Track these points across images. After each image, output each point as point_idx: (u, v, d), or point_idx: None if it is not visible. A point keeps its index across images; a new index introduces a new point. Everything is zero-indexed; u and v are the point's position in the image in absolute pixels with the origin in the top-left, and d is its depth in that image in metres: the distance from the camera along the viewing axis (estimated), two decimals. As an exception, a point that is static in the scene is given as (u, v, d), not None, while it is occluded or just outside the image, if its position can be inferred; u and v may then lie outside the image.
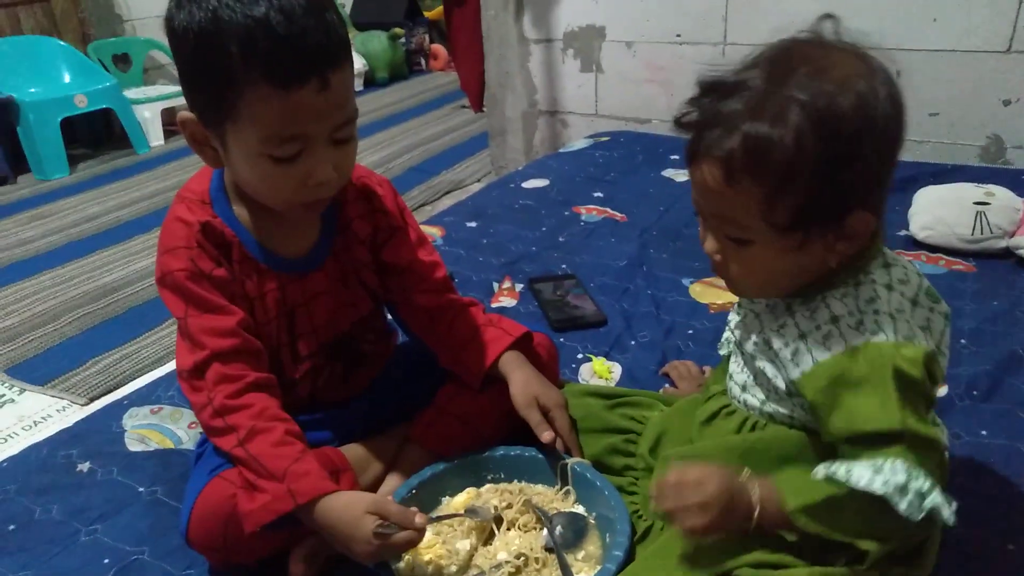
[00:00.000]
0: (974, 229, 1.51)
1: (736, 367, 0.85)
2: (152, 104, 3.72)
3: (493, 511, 0.89)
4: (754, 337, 0.80)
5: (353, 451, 0.97)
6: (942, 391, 1.10)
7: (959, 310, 1.32)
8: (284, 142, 0.79)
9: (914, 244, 1.58)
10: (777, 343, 0.76)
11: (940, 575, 0.80)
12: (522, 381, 0.96)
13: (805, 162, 0.66)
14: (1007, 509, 0.90)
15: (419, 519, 0.78)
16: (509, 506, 0.91)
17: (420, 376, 1.07)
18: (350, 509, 0.78)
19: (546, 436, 0.92)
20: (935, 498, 0.65)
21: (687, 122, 0.72)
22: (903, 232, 1.61)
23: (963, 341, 1.23)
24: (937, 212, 1.57)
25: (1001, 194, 1.57)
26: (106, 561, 0.90)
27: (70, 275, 2.35)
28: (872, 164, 0.68)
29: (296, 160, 0.80)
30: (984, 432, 1.02)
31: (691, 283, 1.50)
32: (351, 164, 0.88)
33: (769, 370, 0.78)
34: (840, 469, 0.68)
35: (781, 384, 0.77)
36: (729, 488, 0.70)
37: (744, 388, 0.82)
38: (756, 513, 0.70)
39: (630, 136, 2.43)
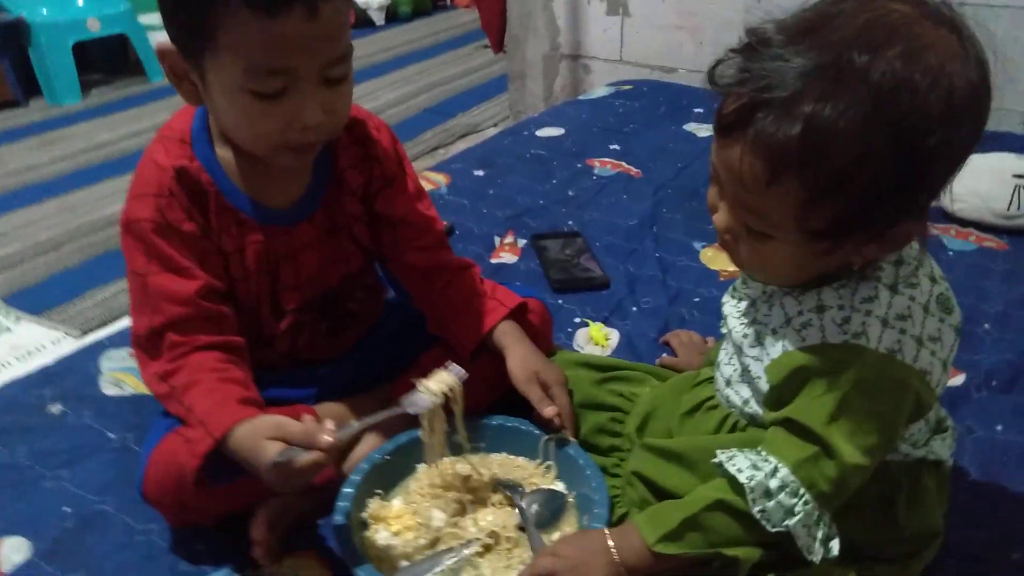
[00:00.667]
0: (1011, 204, 1.42)
1: (724, 356, 0.79)
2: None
3: (435, 399, 0.80)
4: (745, 328, 0.73)
5: (330, 410, 0.93)
6: (958, 379, 1.04)
7: (986, 291, 1.24)
8: (267, 76, 0.72)
9: (943, 216, 1.48)
10: (764, 334, 0.70)
11: (935, 578, 0.74)
12: (521, 356, 0.91)
13: (867, 172, 0.55)
14: (1015, 513, 0.84)
15: (325, 437, 0.69)
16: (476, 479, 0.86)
17: (408, 336, 1.01)
18: (251, 435, 0.72)
19: (549, 411, 0.86)
20: (797, 521, 0.63)
21: (727, 82, 0.59)
22: (934, 203, 1.51)
23: (987, 326, 1.15)
24: (972, 183, 1.46)
25: (1044, 168, 1.46)
26: (67, 509, 0.88)
27: (75, 204, 2.32)
28: (938, 180, 0.59)
29: (281, 98, 0.74)
30: (999, 427, 0.95)
31: (703, 247, 1.42)
32: (345, 108, 0.81)
33: (754, 368, 0.72)
34: (726, 454, 0.66)
35: (763, 385, 0.71)
36: (573, 561, 0.68)
37: (729, 382, 0.77)
38: (619, 562, 0.68)
39: (654, 85, 2.32)
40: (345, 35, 0.76)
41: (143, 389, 1.08)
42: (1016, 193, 1.41)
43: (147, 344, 0.82)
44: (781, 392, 0.67)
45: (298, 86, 0.74)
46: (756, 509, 0.63)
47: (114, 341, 1.19)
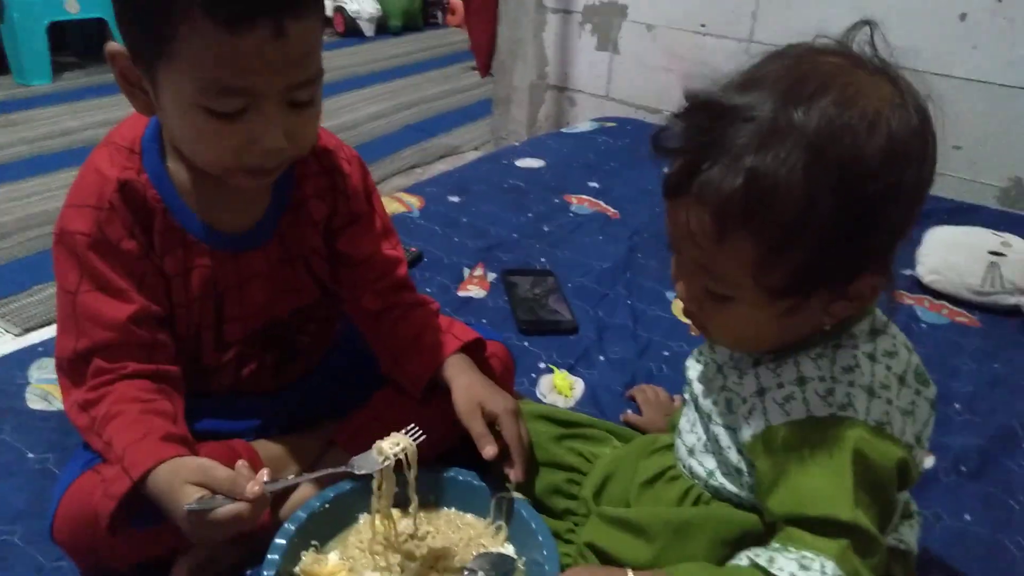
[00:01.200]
0: (985, 281, 1.41)
1: (687, 424, 0.75)
2: (149, 20, 3.54)
3: (383, 462, 0.74)
4: (713, 395, 0.70)
5: (268, 448, 0.87)
6: (928, 461, 1.01)
7: (957, 369, 1.22)
8: (224, 95, 0.66)
9: (919, 287, 1.47)
10: (737, 400, 0.66)
11: None
12: (465, 385, 0.83)
13: (815, 221, 0.54)
14: (981, 613, 0.81)
15: (253, 488, 0.65)
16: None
17: (359, 371, 0.95)
18: (171, 478, 0.66)
19: (488, 451, 0.79)
20: None
21: (671, 146, 0.59)
22: (908, 271, 1.51)
23: (957, 406, 1.13)
24: (948, 257, 1.46)
25: (1019, 246, 1.46)
26: (-31, 538, 0.80)
27: (31, 191, 2.22)
28: (894, 228, 0.57)
29: (239, 118, 0.68)
30: (968, 517, 0.92)
31: (675, 298, 1.38)
32: (311, 133, 0.75)
33: (724, 438, 0.68)
34: (763, 556, 0.59)
35: (733, 456, 0.67)
36: None
37: (692, 452, 0.73)
38: None
39: (638, 125, 2.30)
40: (315, 57, 0.70)
41: (72, 406, 1.00)
42: (991, 271, 1.41)
43: (69, 369, 0.75)
44: (772, 475, 0.62)
45: (259, 107, 0.68)
46: None
47: (49, 349, 1.11)
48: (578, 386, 1.13)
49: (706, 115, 0.57)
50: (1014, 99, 1.88)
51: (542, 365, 1.17)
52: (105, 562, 0.75)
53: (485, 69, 2.80)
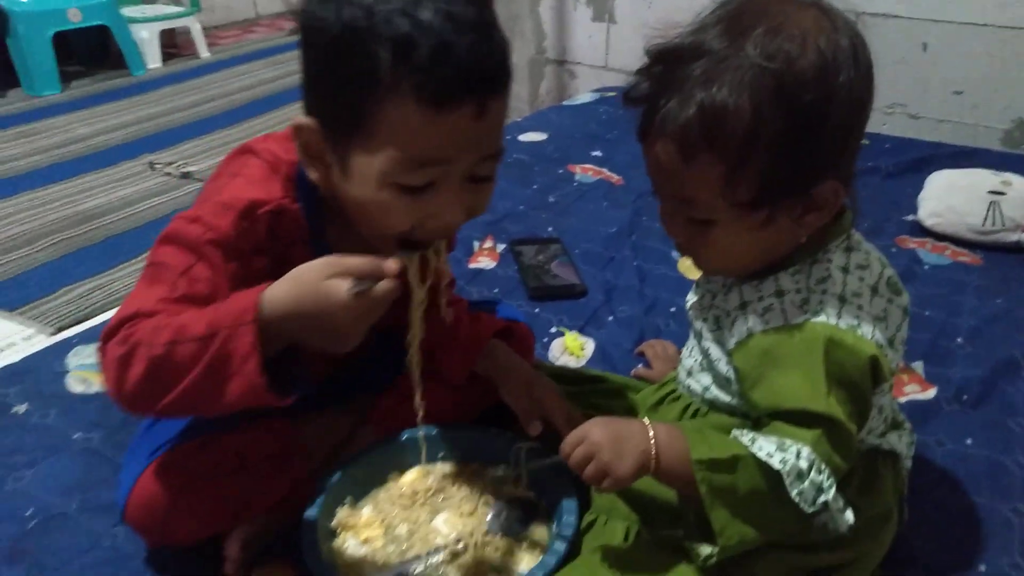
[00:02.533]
0: (986, 220, 1.43)
1: (686, 351, 0.83)
2: (150, 24, 3.58)
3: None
4: (705, 315, 0.77)
5: (303, 427, 0.90)
6: (929, 392, 1.04)
7: (959, 305, 1.25)
8: (418, 170, 0.67)
9: (921, 230, 1.50)
10: (723, 319, 0.74)
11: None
12: (511, 372, 0.90)
13: (765, 133, 0.61)
14: (982, 528, 0.85)
15: (389, 263, 0.64)
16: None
17: (389, 346, 1.00)
18: (303, 283, 0.64)
19: (534, 429, 0.86)
20: (830, 496, 0.64)
21: (637, 96, 0.67)
22: (911, 217, 1.53)
23: (959, 340, 1.16)
24: (948, 199, 1.48)
25: (1019, 184, 1.48)
26: (28, 512, 0.86)
27: (51, 198, 2.28)
28: (838, 131, 0.63)
29: (424, 193, 0.68)
30: (969, 441, 0.96)
31: (680, 256, 1.42)
32: (484, 207, 0.74)
33: (714, 351, 0.75)
34: (746, 436, 0.67)
35: (723, 367, 0.74)
36: (614, 431, 0.68)
37: (690, 373, 0.81)
38: (653, 454, 0.66)
39: (638, 93, 2.32)
40: (502, 134, 0.71)
41: (111, 388, 1.06)
42: (991, 209, 1.43)
43: (108, 333, 0.68)
44: (754, 376, 0.69)
45: (446, 182, 0.68)
46: (794, 492, 0.63)
47: (83, 338, 1.18)
48: (588, 346, 1.17)
49: (661, 63, 0.65)
50: (1012, 40, 1.88)
51: (553, 330, 1.22)
52: (171, 539, 0.80)
53: (484, 48, 2.82)
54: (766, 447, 0.64)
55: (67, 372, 1.09)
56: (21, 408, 1.02)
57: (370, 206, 0.70)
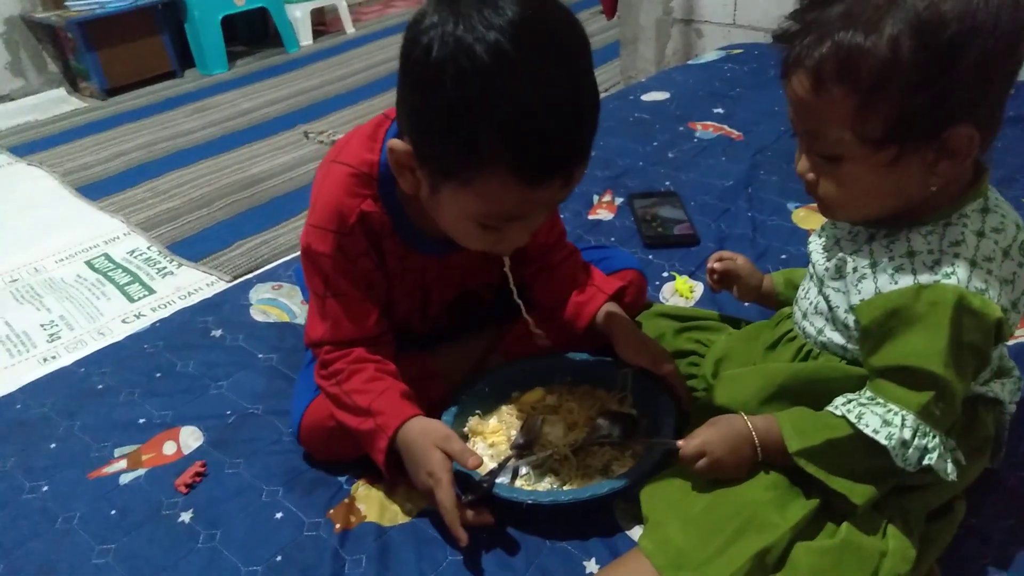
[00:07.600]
0: None
1: (802, 292, 0.86)
2: (302, 4, 3.87)
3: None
4: (829, 260, 0.79)
5: (442, 357, 1.05)
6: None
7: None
8: (504, 220, 0.76)
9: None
10: (849, 268, 0.75)
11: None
12: (625, 332, 0.98)
13: (898, 69, 0.62)
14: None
15: (473, 460, 0.80)
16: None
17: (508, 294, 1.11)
18: (422, 439, 0.82)
19: (666, 368, 0.94)
20: (935, 456, 0.68)
21: (782, 34, 0.69)
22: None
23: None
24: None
25: None
26: (228, 412, 1.07)
27: (223, 165, 2.58)
28: (976, 74, 0.62)
29: (501, 229, 0.78)
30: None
31: (796, 207, 1.46)
32: (543, 224, 0.86)
33: (834, 297, 0.78)
34: (853, 412, 0.71)
35: (842, 312, 0.77)
36: (729, 443, 0.76)
37: (805, 315, 0.83)
38: (760, 449, 0.76)
39: (764, 49, 2.31)
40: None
41: (284, 317, 1.27)
42: None
43: (315, 349, 0.92)
44: (877, 333, 0.71)
45: (521, 222, 0.77)
46: (900, 460, 0.69)
47: (260, 278, 1.39)
48: (697, 289, 1.25)
49: (812, 9, 0.67)
50: None
51: (665, 274, 1.30)
52: (337, 457, 0.95)
53: (611, 11, 2.86)
54: (872, 423, 0.69)
55: (250, 305, 1.31)
56: (217, 332, 1.24)
57: (450, 226, 0.80)
